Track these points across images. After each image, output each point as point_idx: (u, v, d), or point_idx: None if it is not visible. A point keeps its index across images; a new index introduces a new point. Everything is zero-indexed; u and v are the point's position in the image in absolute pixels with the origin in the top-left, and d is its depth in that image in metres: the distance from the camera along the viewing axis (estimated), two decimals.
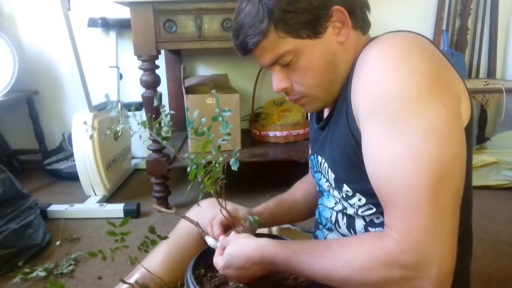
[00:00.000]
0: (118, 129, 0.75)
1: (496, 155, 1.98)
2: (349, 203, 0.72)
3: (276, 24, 0.65)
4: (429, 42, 0.63)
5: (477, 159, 1.98)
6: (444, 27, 2.29)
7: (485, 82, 2.21)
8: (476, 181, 1.97)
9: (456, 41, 2.33)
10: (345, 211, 0.74)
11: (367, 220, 0.70)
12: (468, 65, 2.33)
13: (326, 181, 0.78)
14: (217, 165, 0.64)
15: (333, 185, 0.75)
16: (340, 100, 0.70)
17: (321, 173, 0.80)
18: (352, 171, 0.67)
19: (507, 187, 1.98)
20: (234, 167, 0.64)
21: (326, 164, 0.76)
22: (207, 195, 0.68)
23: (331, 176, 0.74)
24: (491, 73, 2.32)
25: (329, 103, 0.75)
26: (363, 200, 0.68)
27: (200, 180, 0.65)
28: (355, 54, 0.70)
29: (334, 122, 0.73)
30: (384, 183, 0.57)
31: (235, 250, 0.68)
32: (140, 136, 1.01)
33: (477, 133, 2.43)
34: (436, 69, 0.58)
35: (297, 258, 0.61)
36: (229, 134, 0.64)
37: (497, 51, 2.31)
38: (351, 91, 0.64)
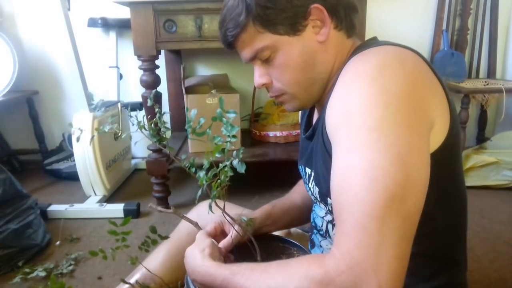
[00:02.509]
0: (106, 130, 0.74)
1: (496, 155, 1.98)
2: None
3: (254, 18, 0.66)
4: (416, 57, 0.61)
5: (477, 159, 1.98)
6: (444, 27, 2.29)
7: (485, 82, 2.22)
8: (476, 181, 1.97)
9: (456, 41, 2.33)
10: (334, 222, 0.73)
11: None
12: (468, 65, 2.33)
13: (311, 194, 0.78)
14: (225, 168, 0.63)
15: (318, 199, 0.75)
16: (323, 112, 0.69)
17: (307, 185, 0.79)
18: None
19: (507, 187, 1.98)
20: (240, 169, 0.62)
21: (312, 177, 0.76)
22: (207, 196, 0.68)
23: (315, 189, 0.74)
24: (491, 73, 2.33)
25: (308, 103, 0.75)
26: None
27: (205, 183, 0.64)
28: (337, 56, 0.70)
29: (317, 134, 0.72)
30: (336, 196, 0.54)
31: (188, 258, 0.70)
32: (131, 138, 1.00)
33: (477, 133, 2.44)
34: (409, 90, 0.55)
35: (234, 280, 0.60)
36: (234, 136, 0.63)
37: (497, 51, 2.31)
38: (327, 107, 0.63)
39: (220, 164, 0.64)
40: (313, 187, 0.75)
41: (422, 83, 0.58)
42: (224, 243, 0.75)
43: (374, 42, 0.69)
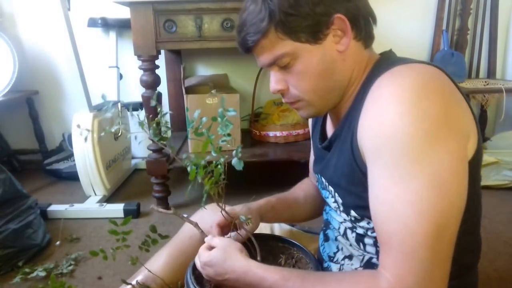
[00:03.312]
0: (112, 130, 0.75)
1: (496, 155, 1.98)
2: (357, 225, 0.72)
3: (276, 25, 0.66)
4: (442, 74, 0.62)
5: None
6: (444, 27, 2.29)
7: (485, 82, 2.22)
8: None
9: (456, 41, 2.33)
10: (354, 229, 0.74)
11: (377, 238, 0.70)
12: (468, 65, 2.33)
13: (334, 202, 0.78)
14: (219, 166, 0.64)
15: (341, 209, 0.75)
16: (346, 126, 0.70)
17: (329, 193, 0.80)
18: (360, 199, 0.66)
19: (507, 187, 1.98)
20: (239, 167, 0.63)
21: (331, 188, 0.77)
22: (209, 198, 0.68)
23: (339, 200, 0.75)
24: (491, 73, 2.33)
25: (324, 111, 0.75)
26: (372, 224, 0.68)
27: (200, 181, 0.65)
28: (355, 66, 0.70)
29: (339, 147, 0.72)
30: (382, 223, 0.58)
31: (224, 257, 0.69)
32: (136, 137, 1.00)
33: None
34: (445, 111, 0.57)
35: (286, 286, 0.61)
36: (229, 134, 0.63)
37: (497, 51, 2.31)
38: (358, 124, 0.63)
39: (214, 162, 0.64)
40: (335, 196, 0.76)
41: (455, 103, 0.60)
42: None
43: (393, 56, 0.70)
